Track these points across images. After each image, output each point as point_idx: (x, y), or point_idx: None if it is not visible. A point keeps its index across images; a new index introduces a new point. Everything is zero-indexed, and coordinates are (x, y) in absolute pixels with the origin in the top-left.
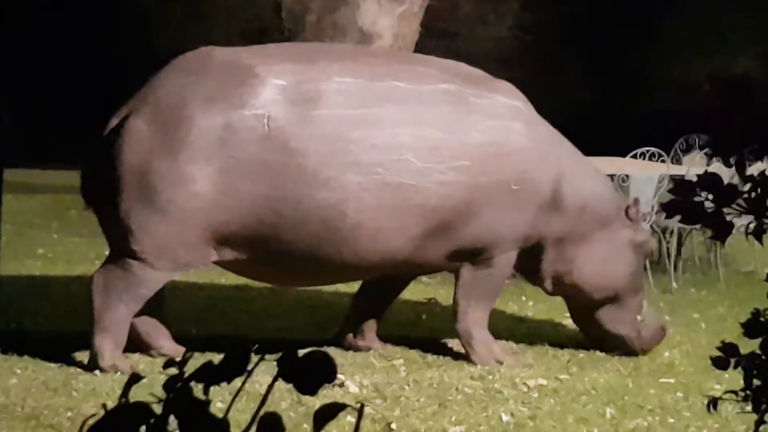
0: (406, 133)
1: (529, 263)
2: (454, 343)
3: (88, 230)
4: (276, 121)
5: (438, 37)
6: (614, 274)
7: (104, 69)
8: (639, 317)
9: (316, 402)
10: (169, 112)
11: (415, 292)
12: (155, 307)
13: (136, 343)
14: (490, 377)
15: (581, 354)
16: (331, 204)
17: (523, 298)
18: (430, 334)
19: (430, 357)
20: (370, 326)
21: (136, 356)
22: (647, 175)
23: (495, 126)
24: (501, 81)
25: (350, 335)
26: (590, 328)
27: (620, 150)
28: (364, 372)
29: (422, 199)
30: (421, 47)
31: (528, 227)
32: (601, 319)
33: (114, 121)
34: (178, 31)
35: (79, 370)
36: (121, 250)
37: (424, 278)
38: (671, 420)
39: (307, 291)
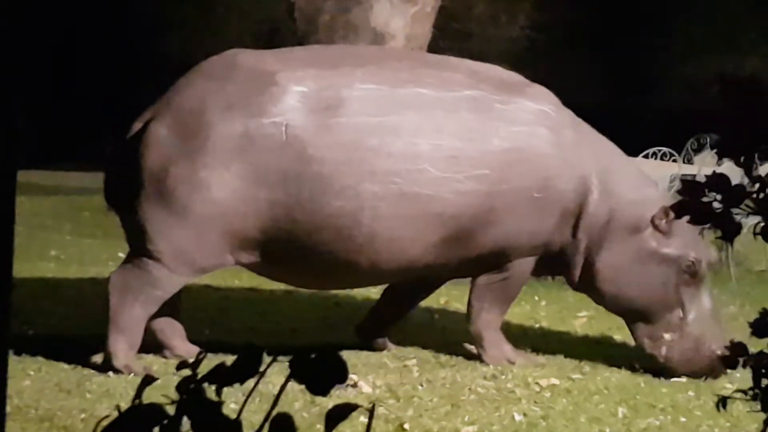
0: (425, 142)
1: (559, 266)
2: (466, 344)
3: (102, 232)
4: (294, 129)
5: (451, 37)
6: (632, 284)
7: (118, 71)
8: (668, 336)
9: (329, 402)
10: (190, 119)
11: None
12: (170, 307)
13: (150, 344)
14: (503, 377)
15: (593, 354)
16: (347, 212)
17: (536, 298)
18: (443, 335)
19: (443, 357)
20: (389, 325)
21: (150, 357)
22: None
23: (518, 132)
24: (534, 85)
25: (367, 331)
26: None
27: (632, 150)
28: (378, 372)
29: (440, 209)
30: (433, 48)
31: (549, 234)
32: (633, 330)
33: (137, 125)
34: (191, 33)
35: (92, 371)
36: (140, 252)
37: None
38: (683, 419)
39: (321, 292)
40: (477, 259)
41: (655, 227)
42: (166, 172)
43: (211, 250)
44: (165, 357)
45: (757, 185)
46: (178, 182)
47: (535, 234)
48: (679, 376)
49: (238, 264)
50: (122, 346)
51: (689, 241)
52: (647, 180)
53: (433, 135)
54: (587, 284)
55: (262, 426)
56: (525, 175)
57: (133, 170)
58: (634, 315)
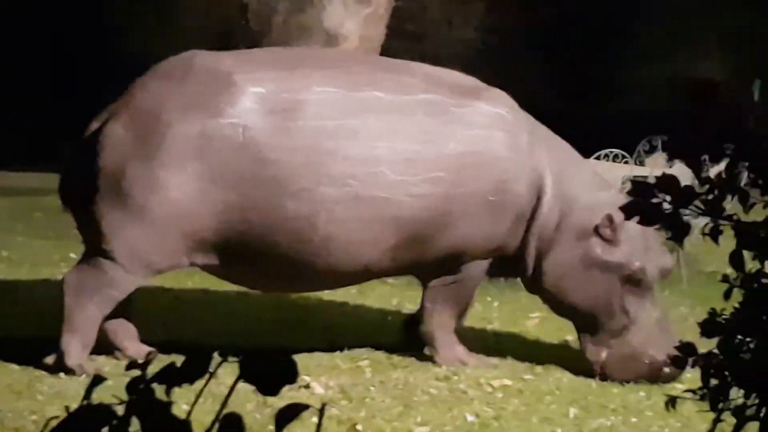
0: (381, 146)
1: (513, 268)
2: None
3: (53, 233)
4: (251, 131)
5: (404, 39)
6: (576, 289)
7: (72, 72)
8: (609, 342)
9: (281, 403)
10: (147, 119)
11: (381, 294)
12: (123, 308)
13: (101, 344)
14: (455, 378)
15: (545, 355)
16: (302, 215)
17: (489, 299)
18: (396, 336)
19: (395, 358)
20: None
21: (102, 358)
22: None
23: (473, 135)
24: (491, 89)
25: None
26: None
27: (584, 151)
28: (330, 373)
29: (396, 212)
30: (387, 49)
31: (504, 237)
32: (579, 333)
33: (95, 125)
34: (144, 34)
35: (43, 373)
36: (96, 252)
37: (389, 280)
38: (634, 419)
39: (274, 293)
40: (433, 261)
41: (599, 235)
42: (123, 172)
43: (167, 250)
44: (117, 358)
45: (706, 186)
46: (134, 182)
47: (491, 237)
48: (619, 382)
49: (194, 265)
50: (75, 346)
51: (636, 249)
52: (603, 183)
53: (390, 138)
54: (537, 286)
55: (211, 426)
56: (481, 178)
57: (90, 170)
58: (578, 319)
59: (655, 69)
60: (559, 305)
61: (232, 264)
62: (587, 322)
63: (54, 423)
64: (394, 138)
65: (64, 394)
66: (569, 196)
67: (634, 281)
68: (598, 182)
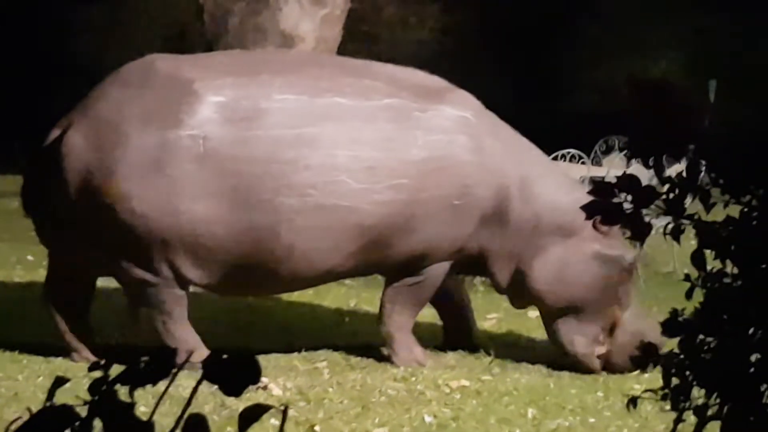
0: (342, 154)
1: (481, 269)
2: (377, 346)
3: (9, 235)
4: (211, 142)
5: (360, 40)
6: (571, 285)
7: (25, 73)
8: (601, 336)
9: (239, 405)
10: (106, 129)
11: (338, 295)
12: (80, 310)
13: (59, 346)
14: (413, 379)
15: (503, 355)
16: (264, 226)
17: None
18: (353, 337)
19: (353, 359)
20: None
21: (59, 360)
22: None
23: (436, 140)
24: (456, 91)
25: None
26: (552, 339)
27: None
28: (288, 374)
29: (358, 220)
30: (343, 50)
31: (465, 240)
32: (559, 331)
33: (55, 132)
34: (98, 35)
35: (0, 375)
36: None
37: (347, 281)
38: (592, 420)
39: (230, 295)
40: (396, 264)
41: (596, 228)
42: (85, 184)
43: (143, 262)
44: (74, 360)
45: (666, 186)
46: (97, 194)
47: (454, 240)
48: (621, 372)
49: (183, 281)
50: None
51: (625, 242)
52: (574, 183)
53: (351, 146)
54: (519, 287)
55: (175, 427)
56: (444, 184)
57: (53, 180)
58: (570, 314)
59: (610, 69)
60: (548, 303)
61: (202, 275)
62: (581, 317)
63: (15, 426)
64: (355, 146)
65: (21, 396)
66: (541, 198)
67: (629, 272)
68: (570, 183)
